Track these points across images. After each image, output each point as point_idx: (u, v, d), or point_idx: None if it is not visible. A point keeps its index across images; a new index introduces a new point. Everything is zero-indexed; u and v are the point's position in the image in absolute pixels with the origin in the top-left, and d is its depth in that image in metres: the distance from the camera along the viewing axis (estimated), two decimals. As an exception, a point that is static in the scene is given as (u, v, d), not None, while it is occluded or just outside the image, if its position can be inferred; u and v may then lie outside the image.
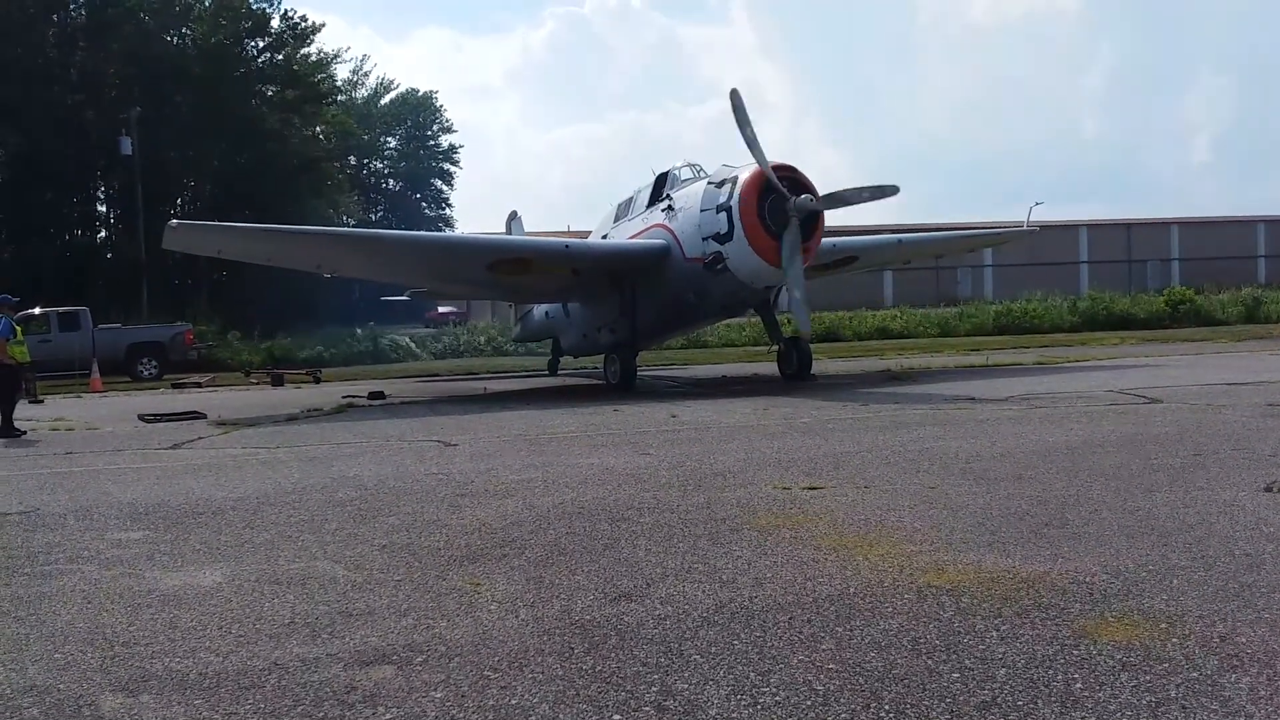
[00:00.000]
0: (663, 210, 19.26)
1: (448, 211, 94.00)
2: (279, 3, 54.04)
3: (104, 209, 53.23)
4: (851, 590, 4.92)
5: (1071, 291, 48.97)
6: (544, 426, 12.79)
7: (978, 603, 4.65)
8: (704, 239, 17.90)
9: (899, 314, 42.36)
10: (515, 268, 19.12)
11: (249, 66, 52.42)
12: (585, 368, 26.04)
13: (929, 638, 4.21)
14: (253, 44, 53.19)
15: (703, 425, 12.14)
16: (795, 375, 19.04)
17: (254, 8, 52.81)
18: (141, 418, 15.76)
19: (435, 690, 3.83)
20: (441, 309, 57.44)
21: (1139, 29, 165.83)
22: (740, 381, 20.35)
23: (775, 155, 17.58)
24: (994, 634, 4.22)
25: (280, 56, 53.44)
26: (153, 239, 30.06)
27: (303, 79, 53.54)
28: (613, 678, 3.89)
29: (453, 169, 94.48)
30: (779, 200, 17.12)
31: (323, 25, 76.26)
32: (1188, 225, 68.77)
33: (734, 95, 17.26)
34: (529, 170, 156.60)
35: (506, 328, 34.68)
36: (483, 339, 38.04)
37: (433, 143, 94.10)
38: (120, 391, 24.46)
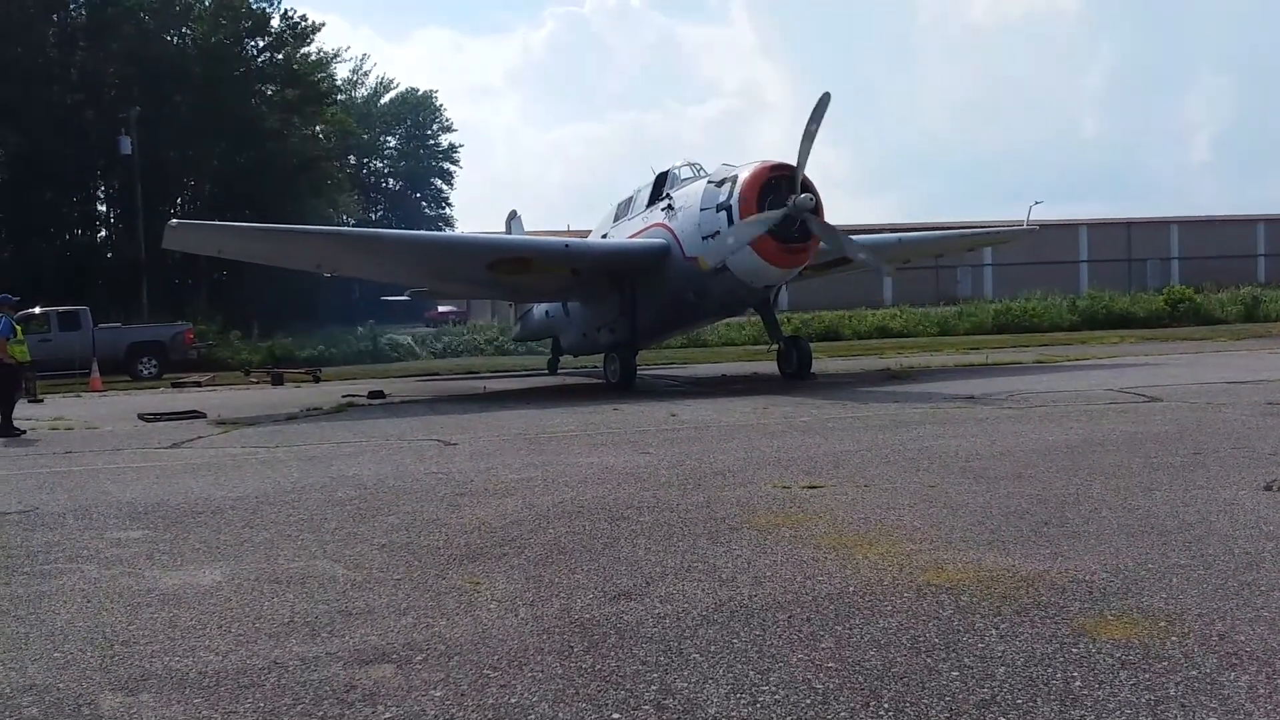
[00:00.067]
0: (662, 209, 19.26)
1: (448, 211, 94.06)
2: (279, 2, 54.08)
3: (104, 208, 53.28)
4: (851, 589, 4.92)
5: (1071, 290, 48.94)
6: (544, 425, 12.80)
7: (977, 601, 4.65)
8: (704, 238, 17.90)
9: (898, 313, 42.37)
10: (515, 267, 19.12)
11: (249, 66, 52.41)
12: (585, 367, 26.05)
13: (928, 636, 4.21)
14: (252, 44, 53.18)
15: (702, 424, 12.14)
16: (795, 374, 19.04)
17: (254, 7, 52.80)
18: (141, 417, 15.76)
19: (435, 689, 3.83)
20: (441, 308, 57.44)
21: (1139, 29, 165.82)
22: (740, 380, 20.35)
23: (775, 155, 17.63)
24: (993, 632, 4.23)
25: (280, 56, 53.42)
26: (153, 238, 30.09)
27: (302, 78, 53.52)
28: (612, 676, 3.89)
29: (452, 168, 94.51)
30: (779, 200, 17.12)
31: (322, 25, 76.31)
32: (1187, 224, 68.71)
33: (825, 97, 16.75)
34: (529, 170, 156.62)
35: (507, 327, 34.71)
36: (483, 339, 38.04)
37: (432, 142, 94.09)
38: (120, 391, 24.46)
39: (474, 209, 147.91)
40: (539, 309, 25.33)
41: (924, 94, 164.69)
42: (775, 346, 20.19)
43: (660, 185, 20.01)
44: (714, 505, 7.03)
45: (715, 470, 8.56)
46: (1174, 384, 15.07)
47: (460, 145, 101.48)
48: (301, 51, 55.07)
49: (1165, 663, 3.84)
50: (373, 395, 18.84)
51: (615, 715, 3.55)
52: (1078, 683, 3.67)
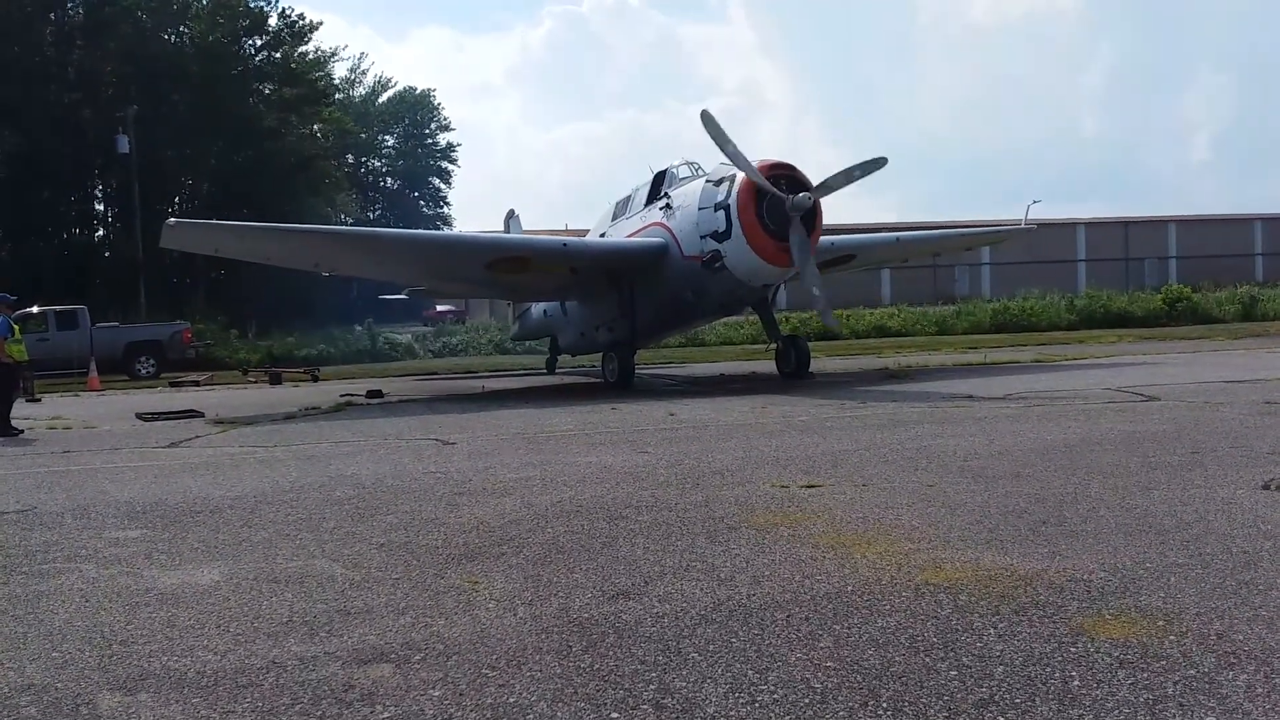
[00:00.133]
0: (661, 209, 19.25)
1: (446, 210, 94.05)
2: (276, 1, 53.87)
3: (102, 208, 53.28)
4: (849, 588, 4.93)
5: (1069, 289, 48.94)
6: (542, 425, 12.79)
7: (975, 600, 4.65)
8: (702, 237, 17.90)
9: (897, 312, 42.38)
10: (513, 266, 19.11)
11: (246, 65, 52.36)
12: (583, 366, 26.03)
13: (927, 635, 4.21)
14: (250, 42, 53.14)
15: (701, 423, 12.14)
16: (793, 373, 19.04)
17: (251, 6, 52.76)
18: (139, 416, 15.75)
19: (433, 688, 3.83)
20: (439, 307, 57.49)
21: (1138, 28, 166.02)
22: (738, 380, 20.35)
23: (774, 154, 17.64)
24: (992, 631, 4.23)
25: (278, 55, 53.38)
26: (150, 238, 30.05)
27: (300, 77, 53.49)
28: (611, 676, 3.89)
29: (451, 167, 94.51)
30: (776, 199, 17.13)
31: (320, 24, 76.07)
32: (1185, 223, 68.78)
33: (706, 117, 16.99)
34: (528, 169, 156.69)
35: (506, 326, 34.70)
36: (484, 338, 37.99)
37: (430, 141, 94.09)
38: (118, 390, 24.44)
39: (473, 208, 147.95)
40: (537, 308, 25.31)
41: (924, 93, 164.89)
42: (773, 346, 20.19)
43: (658, 184, 20.00)
44: (712, 504, 7.04)
45: (713, 469, 8.57)
46: (1172, 383, 15.08)
47: (458, 144, 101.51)
48: (299, 50, 55.04)
49: (1163, 662, 3.84)
50: (371, 394, 18.83)
51: (614, 714, 3.55)
52: (1076, 682, 3.68)
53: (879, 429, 10.97)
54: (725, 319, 30.15)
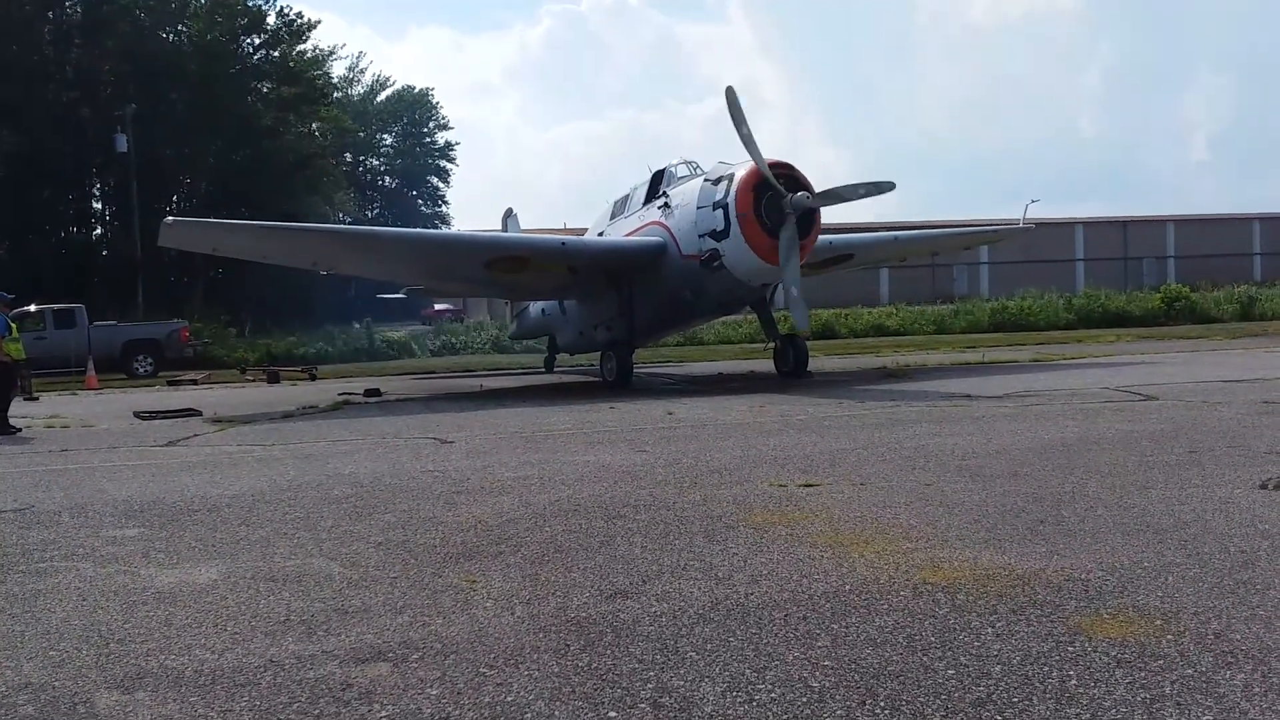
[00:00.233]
0: (659, 208, 19.25)
1: (444, 209, 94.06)
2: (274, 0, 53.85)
3: (100, 206, 53.29)
4: (847, 587, 4.92)
5: (1067, 289, 48.97)
6: (540, 424, 12.79)
7: (973, 599, 4.65)
8: (700, 236, 17.89)
9: (895, 311, 42.41)
10: (512, 265, 19.10)
11: (244, 63, 52.38)
12: (581, 365, 26.03)
13: (924, 634, 4.21)
14: (248, 41, 53.16)
15: (699, 423, 12.14)
16: (792, 373, 19.05)
17: (250, 5, 52.75)
18: (137, 415, 15.74)
19: (431, 687, 3.83)
20: (437, 306, 57.45)
21: (1138, 28, 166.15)
22: (736, 379, 20.35)
23: (773, 153, 17.59)
24: (989, 631, 4.23)
25: (276, 54, 53.39)
26: (149, 236, 30.04)
27: (299, 76, 53.49)
28: (609, 675, 3.89)
29: (449, 166, 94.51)
30: (775, 197, 17.12)
31: (318, 22, 76.07)
32: (1183, 223, 68.78)
33: (729, 93, 17.21)
34: (528, 168, 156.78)
35: (504, 325, 34.69)
36: (483, 337, 37.98)
37: (429, 140, 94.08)
38: (116, 389, 24.43)
39: (471, 207, 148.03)
40: (535, 307, 25.30)
41: (923, 93, 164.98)
42: (772, 345, 20.19)
43: (657, 183, 20.00)
44: (710, 503, 7.03)
45: (712, 468, 8.56)
46: (1170, 382, 15.09)
47: (457, 144, 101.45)
48: (298, 49, 55.04)
49: (1161, 661, 3.84)
50: (369, 393, 18.83)
51: (612, 713, 3.55)
52: (1073, 681, 3.68)
53: (877, 428, 10.97)
54: (724, 318, 30.13)
